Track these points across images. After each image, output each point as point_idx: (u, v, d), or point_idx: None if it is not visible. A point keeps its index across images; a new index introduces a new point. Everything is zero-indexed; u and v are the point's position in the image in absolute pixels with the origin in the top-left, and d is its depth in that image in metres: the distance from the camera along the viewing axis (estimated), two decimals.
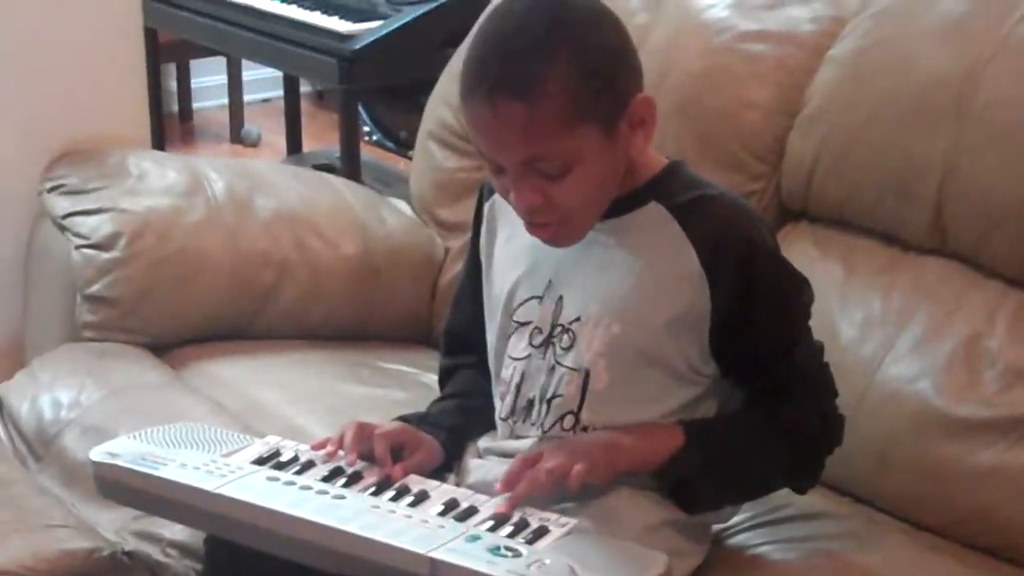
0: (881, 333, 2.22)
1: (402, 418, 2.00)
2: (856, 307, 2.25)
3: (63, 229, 2.67)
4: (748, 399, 1.91)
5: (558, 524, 1.75)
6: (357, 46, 3.83)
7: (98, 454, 1.90)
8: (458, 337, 2.12)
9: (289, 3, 4.08)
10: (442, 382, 2.13)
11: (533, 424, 1.91)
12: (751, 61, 2.46)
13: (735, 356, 1.87)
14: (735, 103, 2.46)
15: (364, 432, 1.88)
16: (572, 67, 1.75)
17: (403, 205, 2.93)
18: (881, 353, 2.20)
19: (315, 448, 1.90)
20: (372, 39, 3.84)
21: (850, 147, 2.31)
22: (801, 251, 2.31)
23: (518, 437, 1.93)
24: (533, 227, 1.84)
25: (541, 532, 1.73)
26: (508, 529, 1.74)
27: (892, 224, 2.29)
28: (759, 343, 1.86)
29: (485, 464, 1.94)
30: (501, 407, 1.96)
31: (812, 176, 2.37)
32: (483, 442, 1.98)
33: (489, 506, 1.79)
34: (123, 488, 1.89)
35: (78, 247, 2.62)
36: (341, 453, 1.88)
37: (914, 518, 2.13)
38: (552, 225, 1.83)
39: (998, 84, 2.15)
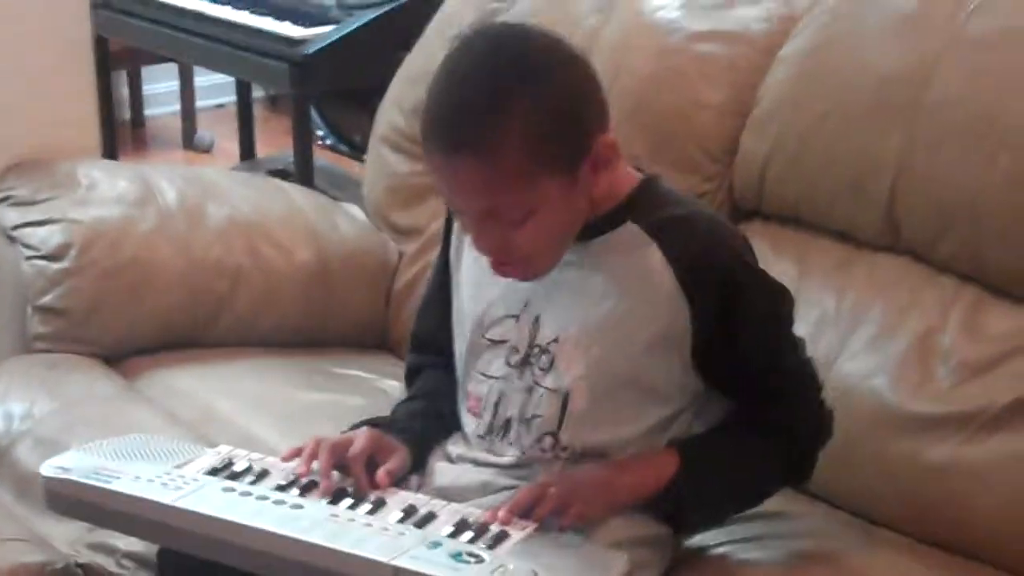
0: (835, 331, 2.22)
1: (370, 422, 1.98)
2: (810, 305, 2.25)
3: (13, 240, 2.65)
4: (738, 407, 1.90)
5: (518, 528, 1.75)
6: (308, 51, 3.82)
7: (49, 469, 1.88)
8: (426, 338, 2.11)
9: (240, 8, 4.06)
10: (408, 380, 2.12)
11: (511, 444, 1.91)
12: (702, 62, 2.46)
13: (724, 372, 1.86)
14: (687, 104, 2.46)
15: (336, 455, 1.86)
16: (528, 121, 1.73)
17: (356, 210, 2.92)
18: (836, 351, 2.20)
19: (285, 460, 1.88)
20: (323, 44, 3.83)
21: (803, 146, 2.32)
22: (755, 250, 2.30)
23: (496, 455, 1.92)
24: (497, 265, 1.83)
25: (501, 536, 1.73)
26: (468, 535, 1.73)
27: (845, 222, 2.30)
28: (748, 358, 1.85)
29: (455, 468, 1.93)
30: (477, 425, 1.94)
31: (765, 175, 2.37)
32: (455, 448, 1.97)
33: (448, 512, 1.79)
34: (76, 503, 1.87)
35: (28, 258, 2.61)
36: (314, 467, 1.85)
37: (871, 514, 2.14)
38: (516, 265, 1.83)
39: (949, 81, 2.15)
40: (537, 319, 1.89)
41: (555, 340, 1.87)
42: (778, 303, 1.89)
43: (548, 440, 1.87)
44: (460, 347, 1.98)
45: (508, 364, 1.91)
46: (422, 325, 2.12)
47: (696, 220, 1.87)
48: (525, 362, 1.89)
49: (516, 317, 1.90)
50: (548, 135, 1.74)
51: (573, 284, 1.87)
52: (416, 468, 1.95)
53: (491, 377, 1.93)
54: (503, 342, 1.91)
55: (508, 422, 1.91)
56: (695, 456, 1.86)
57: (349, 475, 1.85)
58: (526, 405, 1.89)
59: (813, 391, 1.94)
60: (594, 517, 1.81)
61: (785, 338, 1.91)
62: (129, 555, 2.11)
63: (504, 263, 1.83)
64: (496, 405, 1.92)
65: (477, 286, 1.96)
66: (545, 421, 1.87)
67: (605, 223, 1.85)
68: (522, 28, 1.91)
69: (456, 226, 2.00)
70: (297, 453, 1.88)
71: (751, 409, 1.89)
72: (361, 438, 1.89)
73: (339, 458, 1.86)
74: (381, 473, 1.85)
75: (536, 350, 1.88)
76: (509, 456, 1.90)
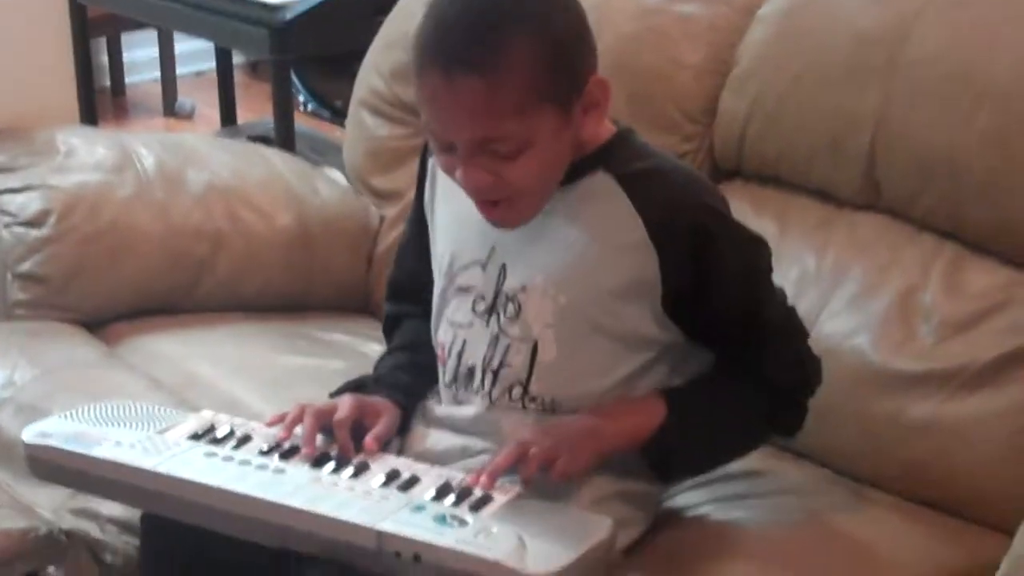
0: (816, 290, 2.23)
1: (354, 383, 1.98)
2: (791, 264, 2.25)
3: None
4: (722, 358, 1.90)
5: (502, 491, 1.75)
6: (287, 16, 3.79)
7: (30, 435, 1.88)
8: (402, 287, 2.11)
9: None
10: (387, 331, 2.11)
11: (476, 392, 1.90)
12: (682, 21, 2.45)
13: (702, 322, 1.86)
14: (667, 64, 2.45)
15: (320, 421, 1.85)
16: (533, 47, 1.72)
17: (337, 175, 2.91)
18: (817, 309, 2.20)
19: (269, 426, 1.88)
20: (302, 9, 3.80)
21: (781, 105, 2.32)
22: (736, 209, 2.25)
23: (460, 403, 1.92)
24: (482, 206, 1.82)
25: (485, 500, 1.73)
26: (451, 498, 1.73)
27: (825, 181, 2.30)
28: (726, 308, 1.85)
29: (432, 435, 1.93)
30: (443, 372, 1.94)
31: (745, 135, 2.37)
32: (434, 405, 1.96)
33: (432, 475, 1.79)
34: (57, 469, 1.87)
35: (7, 225, 2.60)
36: (297, 432, 1.85)
37: (854, 472, 2.14)
38: (501, 204, 1.81)
39: (926, 39, 2.15)
40: (503, 267, 1.88)
41: (522, 289, 1.86)
42: (754, 253, 1.89)
43: (517, 390, 1.87)
44: (435, 293, 1.97)
45: (473, 311, 1.90)
46: (399, 271, 2.12)
47: (668, 171, 1.86)
48: (491, 310, 1.89)
49: (483, 265, 1.90)
50: (549, 65, 1.73)
51: (540, 232, 1.86)
52: (405, 424, 1.94)
53: (456, 324, 1.92)
54: (470, 288, 1.91)
55: (471, 370, 1.90)
56: (682, 403, 1.85)
57: (335, 440, 1.85)
58: (491, 354, 1.88)
59: (797, 340, 1.93)
60: (582, 469, 1.80)
61: (764, 288, 1.90)
62: (112, 520, 2.11)
63: (492, 204, 1.81)
64: (460, 353, 1.91)
65: (448, 231, 1.95)
66: (514, 371, 1.86)
67: (576, 171, 1.84)
68: None
69: (430, 169, 1.99)
70: (281, 419, 1.88)
71: (735, 359, 1.88)
72: (346, 404, 1.89)
73: (323, 424, 1.85)
74: (369, 439, 1.84)
75: (503, 298, 1.88)
76: (475, 406, 1.89)
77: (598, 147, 1.86)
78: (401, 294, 2.10)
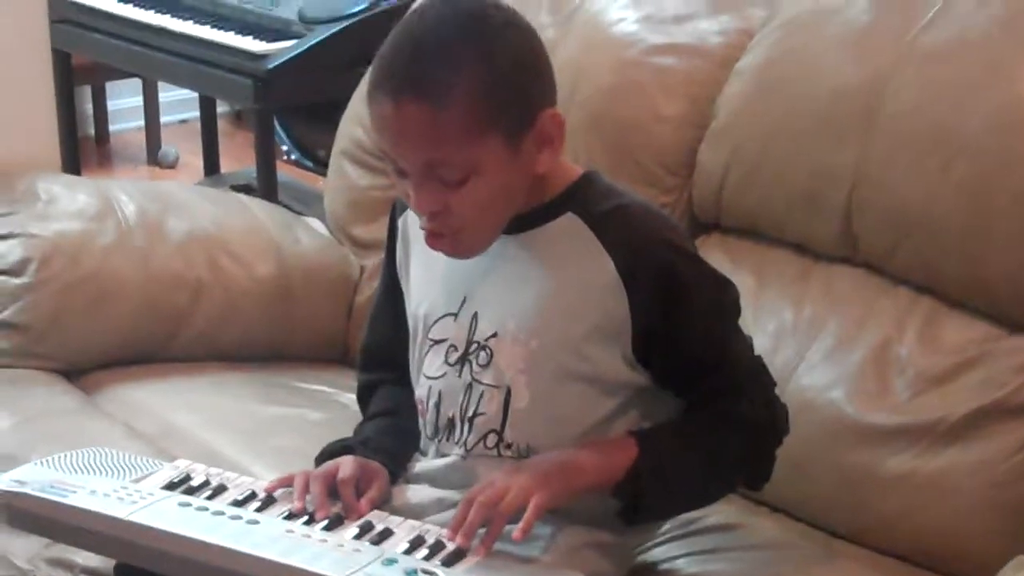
0: (793, 343, 2.23)
1: (341, 444, 1.98)
2: (768, 317, 2.26)
3: None
4: (694, 401, 1.89)
5: (476, 547, 1.74)
6: (271, 65, 3.82)
7: (5, 483, 1.87)
8: (376, 353, 2.11)
9: (203, 24, 4.05)
10: (362, 399, 2.11)
11: (456, 443, 1.90)
12: (661, 74, 2.47)
13: (671, 365, 1.86)
14: (646, 116, 2.46)
15: (328, 481, 1.84)
16: (481, 76, 1.74)
17: (318, 224, 2.92)
18: (794, 362, 2.21)
19: (269, 492, 1.86)
20: (286, 58, 3.83)
21: (759, 159, 2.33)
22: (713, 262, 2.26)
23: (444, 456, 1.92)
24: (430, 237, 1.83)
25: (458, 555, 1.72)
26: (424, 552, 1.72)
27: (803, 234, 2.31)
28: (695, 350, 1.85)
29: (410, 488, 1.92)
30: (424, 426, 1.95)
31: (723, 188, 2.38)
32: (411, 467, 1.96)
33: (404, 528, 1.78)
34: (31, 517, 1.86)
35: None
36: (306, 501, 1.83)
37: (829, 525, 2.15)
38: (447, 235, 1.82)
39: (903, 94, 2.17)
40: (475, 316, 1.88)
41: (493, 335, 1.86)
42: (721, 292, 1.89)
43: (492, 438, 1.87)
44: (412, 353, 1.98)
45: (447, 363, 1.90)
46: (372, 337, 2.12)
47: (636, 211, 1.86)
48: (463, 359, 1.89)
49: (455, 315, 1.90)
50: (497, 92, 1.75)
51: (510, 276, 1.86)
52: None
53: (432, 378, 1.92)
54: (443, 341, 1.91)
55: (451, 421, 1.90)
56: (654, 442, 1.84)
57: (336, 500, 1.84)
58: (467, 403, 1.88)
59: (769, 386, 1.93)
60: (557, 506, 1.79)
61: (732, 327, 1.91)
62: (87, 570, 2.09)
63: (438, 233, 1.82)
64: (437, 405, 1.91)
65: (421, 288, 1.96)
66: (488, 419, 1.87)
67: (544, 214, 1.85)
68: None
69: (400, 230, 2.00)
70: (281, 484, 1.86)
71: (706, 400, 1.88)
72: (348, 463, 1.88)
73: (330, 486, 1.85)
74: (363, 502, 1.84)
75: (474, 347, 1.88)
76: (452, 456, 1.89)
77: (565, 189, 1.87)
78: (375, 361, 2.10)
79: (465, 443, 1.89)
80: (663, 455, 1.84)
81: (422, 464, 1.94)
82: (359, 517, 1.81)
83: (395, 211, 2.04)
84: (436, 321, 1.93)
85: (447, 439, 1.91)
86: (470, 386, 1.88)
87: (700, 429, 1.88)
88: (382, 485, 1.89)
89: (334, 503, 1.83)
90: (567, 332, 1.84)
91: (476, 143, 1.75)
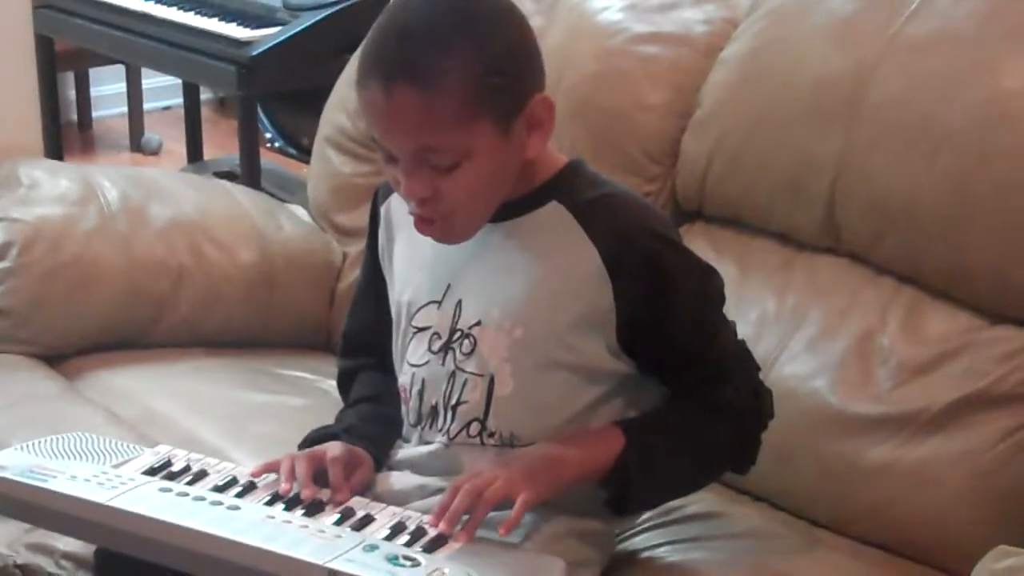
0: (776, 332, 2.23)
1: (325, 430, 1.98)
2: (751, 306, 2.26)
3: None
4: (679, 389, 1.89)
5: (459, 533, 1.73)
6: (255, 52, 3.81)
7: None
8: (357, 339, 2.10)
9: (187, 10, 4.05)
10: (343, 385, 2.11)
11: (440, 431, 1.90)
12: (645, 63, 2.46)
13: (656, 354, 1.86)
14: (630, 105, 2.46)
15: (315, 462, 1.84)
16: (472, 61, 1.74)
17: (301, 211, 2.91)
18: (776, 352, 2.21)
19: (255, 476, 1.85)
20: (270, 45, 3.82)
21: (743, 148, 2.33)
22: (697, 251, 2.26)
23: (427, 443, 1.92)
24: (419, 222, 1.82)
25: (440, 541, 1.72)
26: (405, 538, 1.72)
27: (786, 223, 2.31)
28: (681, 339, 1.85)
29: (392, 475, 1.92)
30: (407, 413, 1.94)
31: (706, 177, 2.38)
32: (394, 453, 1.95)
33: (386, 514, 1.78)
34: (11, 501, 1.85)
35: None
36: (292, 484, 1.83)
37: (811, 515, 2.15)
38: (437, 221, 1.81)
39: (887, 83, 2.17)
40: (459, 303, 1.88)
41: (477, 323, 1.86)
42: (706, 282, 1.89)
43: (475, 426, 1.86)
44: (396, 340, 1.97)
45: (430, 350, 1.90)
46: (353, 323, 2.12)
47: (621, 200, 1.87)
48: (447, 347, 1.89)
49: (438, 303, 1.90)
50: (490, 81, 1.75)
51: (495, 264, 1.86)
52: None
53: (415, 365, 1.92)
54: (427, 328, 1.91)
55: (434, 408, 1.90)
56: (640, 432, 1.85)
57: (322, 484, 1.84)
58: (450, 391, 1.88)
59: (749, 370, 1.93)
60: (544, 499, 1.79)
61: (716, 315, 1.91)
62: (68, 555, 2.09)
63: (427, 218, 1.81)
64: (421, 393, 1.91)
65: (405, 274, 1.96)
66: (471, 407, 1.86)
67: (529, 202, 1.85)
68: None
69: (383, 216, 2.00)
70: (266, 469, 1.86)
71: (692, 388, 1.88)
72: (337, 446, 1.88)
73: (317, 468, 1.84)
74: (344, 489, 1.83)
75: (458, 335, 1.88)
76: (435, 444, 1.89)
77: (550, 177, 1.87)
78: (356, 347, 2.10)
79: (448, 431, 1.88)
80: (650, 446, 1.84)
81: (405, 451, 1.94)
82: (346, 499, 1.81)
83: (377, 198, 2.03)
84: (419, 309, 1.93)
85: (430, 427, 1.91)
86: (453, 374, 1.88)
87: (686, 418, 1.88)
88: (367, 471, 1.89)
89: (319, 488, 1.83)
90: (551, 321, 1.84)
91: (468, 128, 1.74)
